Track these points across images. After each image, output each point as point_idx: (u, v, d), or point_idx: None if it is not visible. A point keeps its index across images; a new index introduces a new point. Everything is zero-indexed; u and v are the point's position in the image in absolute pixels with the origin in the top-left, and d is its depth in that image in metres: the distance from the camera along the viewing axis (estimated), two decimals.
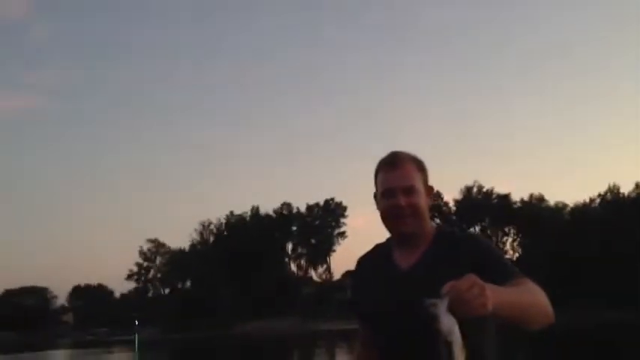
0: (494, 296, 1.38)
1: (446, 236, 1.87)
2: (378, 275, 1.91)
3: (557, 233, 77.17)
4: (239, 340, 51.78)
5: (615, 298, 61.23)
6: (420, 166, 1.89)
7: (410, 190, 1.82)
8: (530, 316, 1.57)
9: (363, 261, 2.04)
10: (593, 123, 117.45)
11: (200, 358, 34.52)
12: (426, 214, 1.86)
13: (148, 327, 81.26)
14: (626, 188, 78.03)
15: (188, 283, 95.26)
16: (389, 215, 1.85)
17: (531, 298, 1.57)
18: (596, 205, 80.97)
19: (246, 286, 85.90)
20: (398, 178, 1.83)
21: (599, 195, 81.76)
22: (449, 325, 1.33)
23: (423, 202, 1.84)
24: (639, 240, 66.20)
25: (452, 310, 1.33)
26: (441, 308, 1.33)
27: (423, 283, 1.67)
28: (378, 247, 2.01)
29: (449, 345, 1.33)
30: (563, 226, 79.81)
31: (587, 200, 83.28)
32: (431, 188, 1.90)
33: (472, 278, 1.37)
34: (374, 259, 1.99)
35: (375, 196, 1.91)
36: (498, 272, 1.65)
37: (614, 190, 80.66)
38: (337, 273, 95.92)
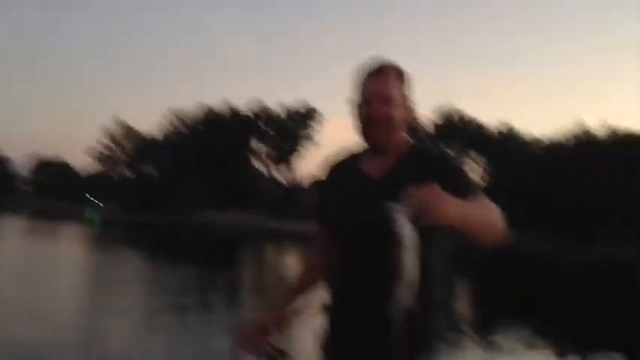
0: (452, 208, 1.44)
1: (419, 151, 1.88)
2: (347, 182, 1.92)
3: (528, 168, 78.62)
4: (200, 229, 52.43)
5: (580, 234, 63.61)
6: (402, 78, 1.87)
7: (387, 100, 1.82)
8: (483, 231, 1.64)
9: (335, 166, 2.03)
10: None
11: (161, 240, 34.81)
12: (401, 126, 1.86)
13: (109, 206, 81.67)
14: (597, 125, 79.30)
15: (154, 170, 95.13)
16: (363, 123, 1.86)
17: (486, 214, 1.65)
18: (568, 142, 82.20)
19: (214, 179, 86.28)
20: (377, 87, 1.84)
21: (570, 130, 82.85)
22: (406, 229, 1.37)
23: (400, 113, 1.85)
24: (606, 182, 67.99)
25: (411, 216, 1.37)
26: (401, 213, 1.38)
27: (391, 193, 1.70)
28: (349, 154, 2.00)
29: (406, 250, 1.38)
30: (535, 161, 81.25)
31: (558, 135, 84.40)
32: (412, 102, 1.90)
33: (433, 188, 1.42)
34: (345, 165, 1.98)
35: (353, 102, 1.91)
36: (460, 186, 1.71)
37: (584, 127, 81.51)
38: (305, 177, 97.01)
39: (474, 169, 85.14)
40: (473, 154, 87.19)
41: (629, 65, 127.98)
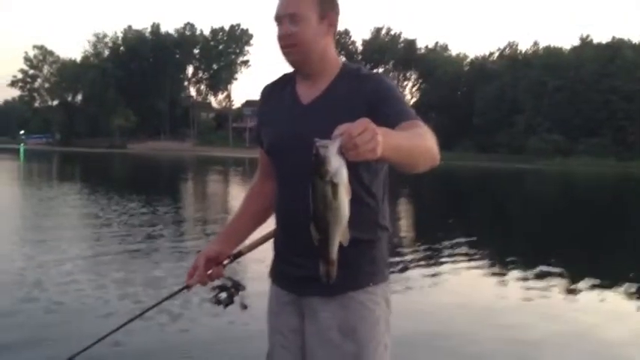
0: (385, 141, 1.34)
1: (350, 72, 1.78)
2: (279, 106, 1.85)
3: (455, 82, 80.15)
4: (131, 158, 51.30)
5: (505, 149, 66.05)
6: None
7: (293, 18, 1.70)
8: (418, 161, 1.55)
9: (268, 90, 1.96)
10: None
11: (90, 170, 33.94)
12: (315, 45, 1.73)
13: (33, 137, 78.15)
14: (524, 46, 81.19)
15: (79, 97, 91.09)
16: (279, 44, 1.75)
17: (421, 142, 1.55)
18: (494, 58, 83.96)
19: (143, 106, 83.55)
20: (283, 5, 1.72)
21: (498, 49, 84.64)
22: (336, 166, 1.33)
23: (310, 31, 1.71)
24: (530, 94, 70.30)
25: (342, 152, 1.32)
26: (331, 150, 1.32)
27: (321, 118, 1.67)
28: (283, 78, 1.91)
29: (334, 186, 1.34)
30: (461, 76, 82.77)
31: (487, 54, 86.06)
32: (331, 17, 1.76)
33: (364, 122, 1.33)
34: (278, 89, 1.90)
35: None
36: (394, 112, 1.64)
37: (512, 46, 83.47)
38: (237, 101, 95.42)
39: (405, 86, 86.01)
40: (403, 71, 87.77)
41: None
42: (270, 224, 1.98)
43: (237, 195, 20.70)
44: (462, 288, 6.92)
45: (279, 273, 1.89)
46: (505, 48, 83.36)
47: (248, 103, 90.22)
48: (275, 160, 1.86)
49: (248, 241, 2.06)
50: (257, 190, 2.04)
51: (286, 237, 1.84)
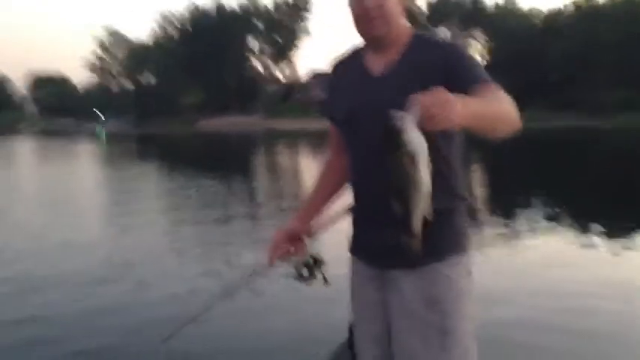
0: (463, 109, 1.34)
1: (421, 41, 1.76)
2: (350, 79, 1.84)
3: (528, 39, 76.93)
4: (203, 135, 52.48)
5: (583, 105, 63.19)
6: None
7: None
8: (497, 126, 1.54)
9: (338, 63, 1.94)
10: None
11: (165, 150, 35.04)
12: (397, 15, 1.73)
13: (111, 120, 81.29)
14: None
15: (151, 79, 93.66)
16: (357, 18, 1.73)
17: (499, 107, 1.54)
18: (571, 12, 79.81)
19: (210, 83, 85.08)
20: None
21: (574, 3, 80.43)
22: (414, 137, 1.31)
23: (393, 2, 1.71)
24: (612, 50, 66.63)
25: (419, 123, 1.30)
26: (408, 121, 1.30)
27: (395, 89, 1.66)
28: (353, 51, 1.90)
29: (412, 157, 1.32)
30: (534, 33, 79.38)
31: (562, 7, 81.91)
32: None
33: (440, 92, 1.32)
34: (348, 62, 1.89)
35: None
36: (468, 78, 1.62)
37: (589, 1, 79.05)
38: (302, 73, 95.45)
39: (475, 47, 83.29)
40: (471, 31, 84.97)
41: None
42: (347, 198, 1.97)
43: (307, 166, 20.89)
44: (545, 257, 6.71)
45: (360, 247, 1.89)
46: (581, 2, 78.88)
47: (314, 74, 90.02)
48: (348, 134, 1.85)
49: (326, 216, 2.07)
50: (331, 165, 2.05)
51: (364, 210, 1.83)
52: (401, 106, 1.37)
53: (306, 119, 73.90)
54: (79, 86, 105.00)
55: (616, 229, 7.98)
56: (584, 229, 8.05)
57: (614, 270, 5.87)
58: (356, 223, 1.91)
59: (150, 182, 15.26)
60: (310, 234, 2.01)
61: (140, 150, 35.93)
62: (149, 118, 77.96)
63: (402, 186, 1.37)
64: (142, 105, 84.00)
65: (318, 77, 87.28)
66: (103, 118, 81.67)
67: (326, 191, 2.05)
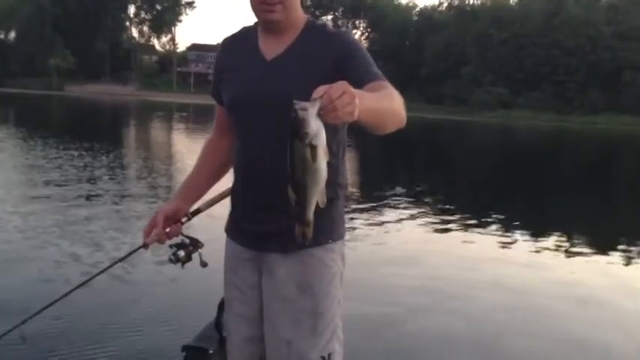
0: (360, 103, 1.34)
1: (315, 29, 1.76)
2: (242, 61, 1.81)
3: (403, 32, 79.98)
4: (70, 101, 49.44)
5: (450, 101, 66.93)
6: None
7: None
8: (388, 123, 1.56)
9: (228, 43, 1.90)
10: None
11: (25, 113, 32.58)
12: (296, 2, 1.73)
13: None
14: None
15: (12, 34, 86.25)
16: (257, 1, 1.70)
17: (391, 104, 1.56)
18: (443, 9, 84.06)
19: (82, 46, 79.95)
20: None
21: (446, 0, 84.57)
22: (316, 129, 1.32)
23: None
24: (476, 47, 70.98)
25: (320, 115, 1.31)
26: (311, 112, 1.30)
27: (287, 74, 1.68)
28: (244, 31, 1.87)
29: (313, 148, 1.34)
30: (409, 26, 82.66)
31: (436, 3, 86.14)
32: None
33: (344, 86, 1.31)
34: (239, 43, 1.86)
35: None
36: (362, 72, 1.63)
37: None
38: (182, 45, 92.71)
39: (354, 35, 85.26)
40: (352, 19, 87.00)
41: None
42: (227, 180, 1.97)
43: (181, 143, 20.38)
44: (408, 241, 7.12)
45: (238, 229, 1.88)
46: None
47: (193, 47, 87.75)
48: (237, 116, 1.82)
49: (206, 198, 2.05)
50: (214, 146, 2.01)
51: (248, 193, 1.82)
52: (292, 91, 1.37)
53: (183, 93, 72.09)
54: None
55: (468, 215, 8.64)
56: (441, 215, 8.62)
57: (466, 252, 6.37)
58: (235, 206, 1.89)
59: (4, 150, 13.99)
60: (189, 215, 1.97)
61: None
62: (7, 78, 71.73)
63: (300, 175, 1.38)
64: (1, 62, 77.05)
65: (197, 50, 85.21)
66: None
67: (206, 172, 2.01)
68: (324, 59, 1.68)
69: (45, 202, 7.82)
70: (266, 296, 1.81)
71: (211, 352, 2.36)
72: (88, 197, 8.50)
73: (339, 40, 1.72)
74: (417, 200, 10.01)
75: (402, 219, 8.14)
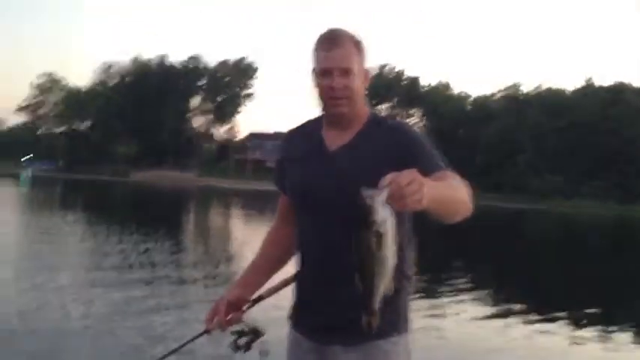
0: (428, 192, 1.35)
1: (379, 122, 1.82)
2: (306, 152, 1.85)
3: (457, 121, 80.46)
4: (134, 186, 51.32)
5: (507, 189, 65.75)
6: (359, 47, 1.78)
7: (347, 72, 1.74)
8: (455, 211, 1.57)
9: (292, 135, 1.96)
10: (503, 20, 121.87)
11: (92, 198, 33.96)
12: (361, 97, 1.79)
13: (37, 163, 78.20)
14: (527, 87, 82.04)
15: (84, 125, 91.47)
16: (324, 96, 1.77)
17: (457, 193, 1.57)
18: (497, 98, 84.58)
19: (147, 135, 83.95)
20: (336, 59, 1.74)
21: (500, 90, 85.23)
22: (384, 217, 1.32)
23: (359, 84, 1.77)
24: (532, 135, 70.45)
25: (388, 202, 1.32)
26: (379, 200, 1.31)
27: (350, 166, 1.72)
28: (309, 123, 1.93)
29: (380, 236, 1.33)
30: (463, 115, 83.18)
31: (489, 94, 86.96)
32: (367, 71, 1.81)
33: (413, 173, 1.34)
34: (303, 134, 1.90)
35: (313, 72, 1.80)
36: (427, 164, 1.65)
37: (515, 87, 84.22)
38: (240, 134, 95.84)
39: (414, 123, 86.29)
40: (407, 108, 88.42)
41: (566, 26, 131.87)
42: (290, 268, 1.96)
43: (239, 229, 20.65)
44: (469, 332, 6.85)
45: (301, 319, 1.87)
46: (508, 88, 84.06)
47: (251, 136, 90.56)
48: (300, 206, 1.86)
49: (267, 286, 2.03)
50: (276, 235, 2.03)
51: (310, 284, 1.82)
52: (355, 182, 1.39)
53: (241, 179, 73.85)
54: (5, 127, 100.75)
55: (530, 308, 8.27)
56: (501, 307, 8.33)
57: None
58: (299, 296, 1.89)
59: (69, 235, 14.45)
60: (250, 302, 1.97)
61: (65, 197, 34.64)
62: (79, 165, 75.53)
63: (368, 264, 1.37)
64: (73, 150, 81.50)
65: (256, 138, 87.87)
66: (24, 160, 78.41)
67: (268, 261, 2.02)
68: (388, 151, 1.71)
69: (106, 289, 7.89)
70: None
71: None
72: (148, 283, 8.55)
73: (403, 132, 1.77)
74: (472, 290, 9.67)
75: (459, 311, 7.87)
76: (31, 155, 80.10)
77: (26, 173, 53.57)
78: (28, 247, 11.92)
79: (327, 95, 1.76)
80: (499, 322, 7.43)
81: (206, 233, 18.82)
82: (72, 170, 70.92)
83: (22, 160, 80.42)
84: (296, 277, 1.91)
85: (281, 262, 2.03)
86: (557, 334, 6.84)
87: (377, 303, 1.44)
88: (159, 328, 5.86)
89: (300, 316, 1.88)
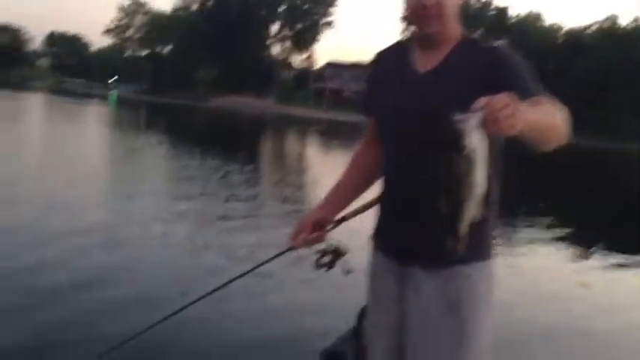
0: (522, 116, 1.30)
1: (472, 43, 1.72)
2: (395, 74, 1.80)
3: (547, 54, 76.40)
4: (214, 112, 52.44)
5: (597, 127, 62.31)
6: None
7: None
8: (549, 138, 1.52)
9: (382, 56, 1.91)
10: None
11: (174, 121, 35.04)
12: (454, 16, 1.70)
13: (123, 85, 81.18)
14: (624, 20, 76.16)
15: (167, 49, 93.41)
16: (414, 14, 1.69)
17: (553, 120, 1.51)
18: (592, 31, 79.37)
19: (227, 61, 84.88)
20: None
21: (596, 22, 79.73)
22: (475, 141, 1.29)
23: (452, 1, 1.68)
24: (628, 70, 66.22)
25: (481, 127, 1.28)
26: (471, 123, 1.27)
27: (440, 88, 1.66)
28: (399, 44, 1.87)
29: (471, 161, 1.30)
30: (554, 48, 78.88)
31: (583, 26, 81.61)
32: None
33: (508, 97, 1.28)
34: (393, 56, 1.85)
35: None
36: (523, 87, 1.54)
37: (612, 19, 78.61)
38: (318, 63, 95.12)
39: None
40: (494, 39, 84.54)
41: None
42: (373, 190, 1.96)
43: (317, 156, 20.84)
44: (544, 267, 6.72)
45: (384, 241, 1.87)
46: (604, 20, 78.47)
47: (329, 65, 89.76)
48: (388, 129, 1.82)
49: (351, 208, 2.04)
50: (362, 157, 2.01)
51: (396, 207, 1.80)
52: (445, 105, 1.35)
53: (319, 109, 73.93)
54: (93, 47, 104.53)
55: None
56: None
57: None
58: (382, 217, 1.88)
59: (154, 155, 15.08)
60: (334, 223, 1.98)
61: (149, 119, 35.91)
62: (162, 88, 77.83)
63: (457, 189, 1.35)
64: (157, 74, 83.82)
65: (333, 68, 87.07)
66: (111, 82, 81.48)
67: (353, 182, 2.01)
68: (481, 73, 1.63)
69: (188, 209, 8.19)
70: (409, 311, 1.77)
71: (348, 359, 2.36)
72: (228, 205, 8.82)
73: (498, 54, 1.67)
74: (554, 228, 9.40)
75: (536, 247, 7.71)
76: (117, 77, 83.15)
77: (113, 94, 55.69)
78: (117, 166, 12.54)
79: (418, 13, 1.68)
80: (576, 264, 7.23)
81: (284, 160, 19.15)
82: (155, 93, 73.18)
83: (110, 81, 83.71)
84: (379, 200, 1.89)
85: (366, 184, 2.02)
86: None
87: (464, 228, 1.41)
88: (238, 250, 6.01)
89: (382, 238, 1.88)
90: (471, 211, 1.38)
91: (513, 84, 1.53)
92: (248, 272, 2.25)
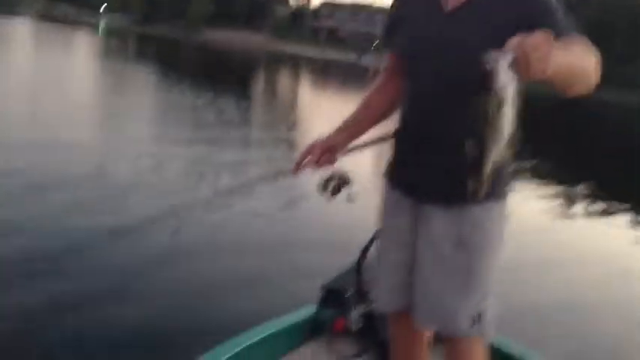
0: (558, 59, 1.25)
1: None
2: (420, 10, 1.71)
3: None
4: (206, 45, 51.52)
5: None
6: None
7: None
8: (577, 84, 1.45)
9: None
10: None
11: (162, 52, 34.39)
12: None
13: (114, 14, 79.19)
14: None
15: None
16: None
17: (584, 63, 1.43)
18: None
19: None
20: None
21: None
22: (505, 82, 1.25)
23: None
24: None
25: (511, 68, 1.24)
26: (502, 64, 1.23)
27: (466, 27, 1.58)
28: None
29: (500, 103, 1.27)
30: None
31: None
32: None
33: (541, 37, 1.23)
34: None
35: None
36: (555, 27, 1.43)
37: None
38: (315, 1, 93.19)
39: None
40: None
41: None
42: (388, 125, 1.90)
43: (307, 95, 20.64)
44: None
45: (398, 175, 1.83)
46: None
47: (325, 4, 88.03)
48: (411, 65, 1.74)
49: (364, 138, 1.99)
50: (381, 89, 1.94)
51: (417, 145, 1.74)
52: (471, 44, 1.33)
53: (314, 46, 72.87)
54: None
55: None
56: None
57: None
58: (398, 154, 1.83)
59: (142, 88, 14.75)
60: (345, 151, 1.94)
61: (139, 49, 35.18)
62: (154, 19, 76.15)
63: (484, 130, 1.31)
64: (149, 4, 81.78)
65: (329, 7, 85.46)
66: (105, 10, 79.46)
67: (369, 112, 1.94)
68: (511, 12, 1.53)
69: (180, 143, 8.12)
70: (420, 244, 1.75)
71: (348, 295, 2.35)
72: (221, 140, 8.71)
73: None
74: (579, 183, 9.39)
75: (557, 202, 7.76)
76: (106, 5, 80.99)
77: (103, 23, 54.38)
78: (106, 96, 12.30)
79: None
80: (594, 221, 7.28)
81: (273, 97, 18.91)
82: (147, 24, 71.58)
83: (101, 10, 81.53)
84: (395, 135, 1.84)
85: (381, 117, 1.95)
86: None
87: (488, 169, 1.37)
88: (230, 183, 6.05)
89: (397, 175, 1.84)
90: (497, 153, 1.35)
91: (546, 22, 1.45)
92: (251, 184, 2.24)
